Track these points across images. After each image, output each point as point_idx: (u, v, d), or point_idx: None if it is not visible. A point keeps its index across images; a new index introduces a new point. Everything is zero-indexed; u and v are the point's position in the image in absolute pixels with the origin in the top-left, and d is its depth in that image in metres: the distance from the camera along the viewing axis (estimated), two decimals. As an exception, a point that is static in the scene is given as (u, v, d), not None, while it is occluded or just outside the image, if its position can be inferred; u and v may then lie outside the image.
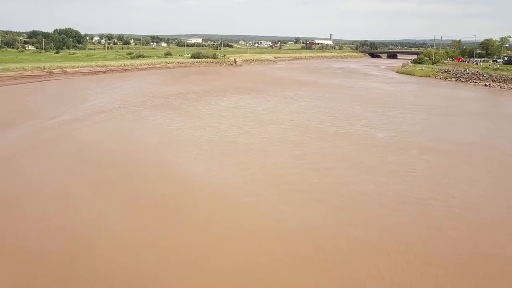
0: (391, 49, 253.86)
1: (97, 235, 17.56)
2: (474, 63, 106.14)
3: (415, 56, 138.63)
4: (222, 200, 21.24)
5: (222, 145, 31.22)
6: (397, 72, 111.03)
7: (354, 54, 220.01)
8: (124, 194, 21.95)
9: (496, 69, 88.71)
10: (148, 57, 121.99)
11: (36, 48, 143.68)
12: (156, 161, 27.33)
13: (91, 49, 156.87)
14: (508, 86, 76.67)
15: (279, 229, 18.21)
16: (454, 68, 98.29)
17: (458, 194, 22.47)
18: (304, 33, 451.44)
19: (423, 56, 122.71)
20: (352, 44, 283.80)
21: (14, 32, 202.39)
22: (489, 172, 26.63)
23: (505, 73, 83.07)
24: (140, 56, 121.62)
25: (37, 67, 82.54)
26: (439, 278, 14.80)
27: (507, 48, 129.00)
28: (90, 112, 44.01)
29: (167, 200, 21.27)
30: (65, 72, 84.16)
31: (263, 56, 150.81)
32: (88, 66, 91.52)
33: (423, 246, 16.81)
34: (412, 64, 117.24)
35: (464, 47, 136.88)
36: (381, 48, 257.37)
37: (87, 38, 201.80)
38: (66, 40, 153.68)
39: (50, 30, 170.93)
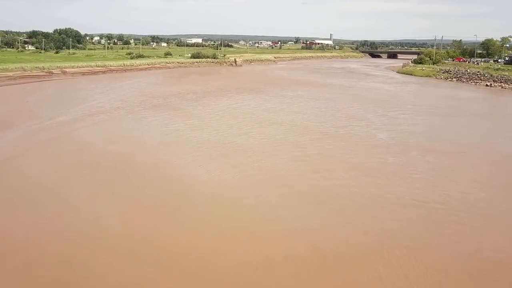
0: (391, 49, 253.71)
1: (96, 236, 17.43)
2: (475, 63, 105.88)
3: (415, 56, 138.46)
4: (221, 202, 21.05)
5: (221, 146, 31.01)
6: (398, 72, 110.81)
7: (355, 54, 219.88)
8: (123, 196, 21.77)
9: (497, 69, 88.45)
10: (148, 57, 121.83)
11: (36, 48, 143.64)
12: (155, 162, 27.13)
13: (91, 49, 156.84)
14: (510, 87, 76.41)
15: (278, 232, 18.00)
16: (455, 68, 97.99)
17: (459, 196, 22.24)
18: (304, 33, 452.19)
19: (423, 56, 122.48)
20: (352, 44, 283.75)
21: (14, 32, 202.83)
22: (491, 173, 26.41)
23: (507, 73, 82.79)
24: (140, 56, 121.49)
25: (36, 67, 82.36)
26: (442, 285, 14.55)
27: (508, 48, 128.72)
28: (89, 112, 43.81)
29: (166, 201, 21.08)
30: (64, 72, 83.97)
31: (263, 56, 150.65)
32: (88, 66, 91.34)
33: (424, 250, 16.56)
34: (412, 64, 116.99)
35: (465, 47, 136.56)
36: (381, 48, 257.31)
37: (87, 38, 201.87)
38: (66, 40, 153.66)
39: (50, 30, 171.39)
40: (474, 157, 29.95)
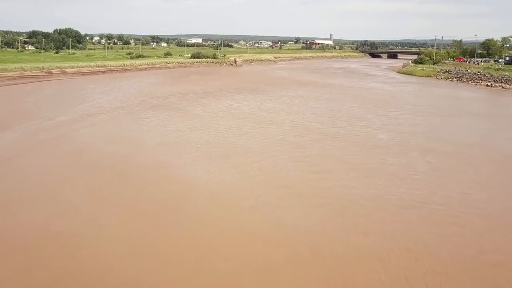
0: (391, 49, 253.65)
1: (96, 236, 17.40)
2: (476, 63, 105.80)
3: (415, 56, 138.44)
4: (221, 202, 21.00)
5: (221, 147, 30.95)
6: (398, 72, 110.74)
7: (355, 54, 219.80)
8: (123, 196, 21.74)
9: (497, 69, 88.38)
10: (148, 57, 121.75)
11: (36, 48, 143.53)
12: (154, 163, 27.08)
13: (91, 49, 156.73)
14: (510, 87, 76.37)
15: (278, 232, 17.96)
16: (455, 68, 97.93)
17: (459, 197, 22.18)
18: (304, 33, 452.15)
19: (424, 56, 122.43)
20: (353, 44, 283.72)
21: (14, 32, 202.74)
22: (491, 174, 26.36)
23: (507, 73, 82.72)
24: (140, 56, 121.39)
25: (36, 67, 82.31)
26: (442, 286, 14.49)
27: (508, 48, 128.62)
28: (89, 113, 43.75)
29: (166, 202, 21.03)
30: (64, 72, 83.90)
31: (263, 56, 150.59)
32: (88, 66, 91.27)
33: (424, 252, 16.50)
34: (413, 64, 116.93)
35: (465, 47, 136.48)
36: (382, 48, 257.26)
37: (87, 38, 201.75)
38: (66, 40, 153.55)
39: (50, 30, 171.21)
40: (474, 158, 29.89)
